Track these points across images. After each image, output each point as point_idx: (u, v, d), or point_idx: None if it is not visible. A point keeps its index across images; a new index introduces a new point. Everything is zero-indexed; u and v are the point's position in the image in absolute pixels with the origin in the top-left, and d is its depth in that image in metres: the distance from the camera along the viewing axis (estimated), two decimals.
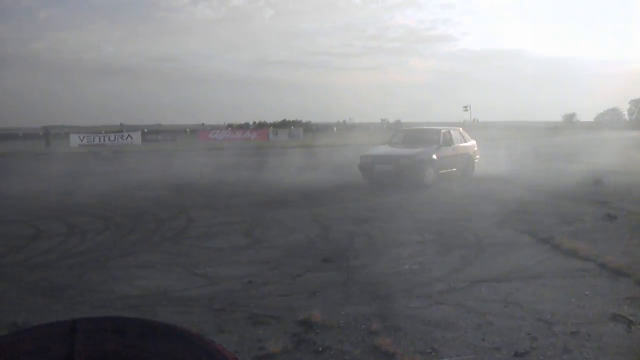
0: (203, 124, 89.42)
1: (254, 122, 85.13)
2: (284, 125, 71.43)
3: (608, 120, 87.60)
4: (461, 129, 18.49)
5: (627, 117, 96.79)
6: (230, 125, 73.06)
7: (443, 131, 16.57)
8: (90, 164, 25.31)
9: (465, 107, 68.63)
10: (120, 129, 63.85)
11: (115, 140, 47.26)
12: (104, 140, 47.01)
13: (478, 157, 18.00)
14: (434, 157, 15.24)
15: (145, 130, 56.55)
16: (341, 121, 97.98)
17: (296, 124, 74.97)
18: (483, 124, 66.93)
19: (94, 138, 47.72)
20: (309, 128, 69.40)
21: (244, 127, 71.02)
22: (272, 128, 61.31)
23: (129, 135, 48.89)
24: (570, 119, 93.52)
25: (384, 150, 16.38)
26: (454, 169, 16.10)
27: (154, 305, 5.65)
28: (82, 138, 47.17)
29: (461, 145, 16.93)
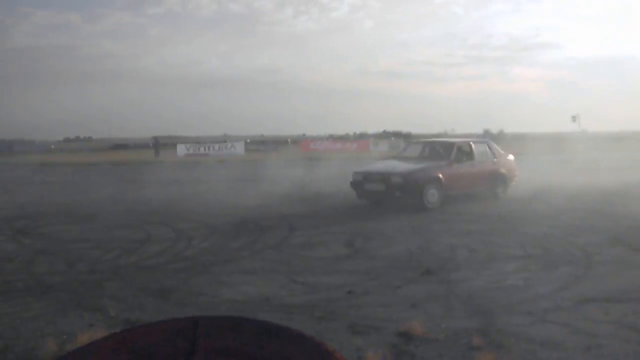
0: (304, 135, 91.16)
1: (354, 133, 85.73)
2: (385, 135, 71.34)
3: None
4: (489, 141, 16.02)
5: None
6: (331, 136, 73.90)
7: (458, 144, 14.17)
8: (195, 172, 26.36)
9: (573, 117, 65.48)
10: (224, 139, 66.18)
11: (219, 149, 48.98)
12: (209, 150, 48.82)
13: (517, 174, 15.22)
14: (439, 174, 12.86)
15: (248, 140, 58.32)
16: (442, 132, 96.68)
17: (396, 134, 74.64)
18: (592, 134, 63.64)
19: (199, 148, 49.68)
20: (409, 139, 68.95)
21: (344, 138, 71.54)
22: (372, 139, 61.39)
23: (232, 145, 50.51)
24: None
25: (380, 165, 14.56)
26: (474, 189, 13.91)
27: (256, 310, 5.76)
28: (188, 148, 49.25)
29: (488, 161, 14.40)
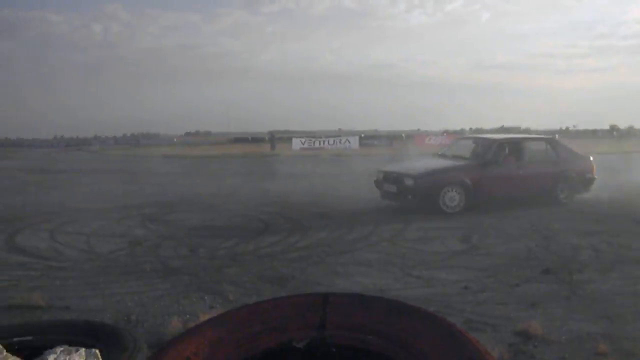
0: (419, 129, 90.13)
1: (470, 128, 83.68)
2: (502, 131, 69.01)
3: None
4: (556, 138, 14.25)
5: None
6: (446, 131, 72.57)
7: (500, 142, 12.70)
8: (310, 165, 26.79)
9: None
10: (339, 134, 66.76)
11: (333, 144, 49.47)
12: (323, 144, 49.45)
13: (592, 178, 13.06)
14: (463, 176, 11.66)
15: (362, 135, 58.41)
16: (564, 128, 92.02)
17: (514, 130, 71.98)
18: None
19: (313, 142, 50.41)
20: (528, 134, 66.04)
21: (459, 133, 70.01)
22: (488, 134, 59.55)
23: (346, 140, 50.84)
24: None
25: (406, 164, 13.80)
26: (521, 192, 12.29)
27: None
28: (303, 142, 50.13)
29: (546, 161, 12.84)
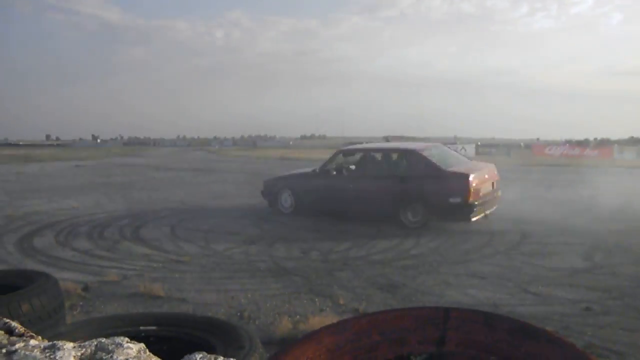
0: (538, 139, 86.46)
1: (595, 139, 79.16)
2: (632, 142, 64.62)
3: None
4: (420, 152, 11.24)
5: None
6: (568, 141, 69.01)
7: (342, 151, 12.84)
8: None
9: None
10: (454, 141, 65.46)
11: None
12: None
13: (454, 201, 10.18)
14: (295, 183, 12.47)
15: (479, 143, 56.89)
16: None
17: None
18: None
19: None
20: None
21: (583, 143, 66.30)
22: (616, 145, 55.97)
23: (462, 147, 49.69)
24: None
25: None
26: (353, 208, 11.45)
27: None
28: None
29: (390, 176, 11.18)
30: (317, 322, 5.07)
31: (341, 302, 6.05)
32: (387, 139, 54.13)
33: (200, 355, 0.87)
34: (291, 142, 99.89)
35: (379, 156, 12.08)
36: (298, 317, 5.56)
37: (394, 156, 11.89)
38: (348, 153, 12.84)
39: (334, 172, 11.97)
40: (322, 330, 1.51)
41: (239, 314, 5.69)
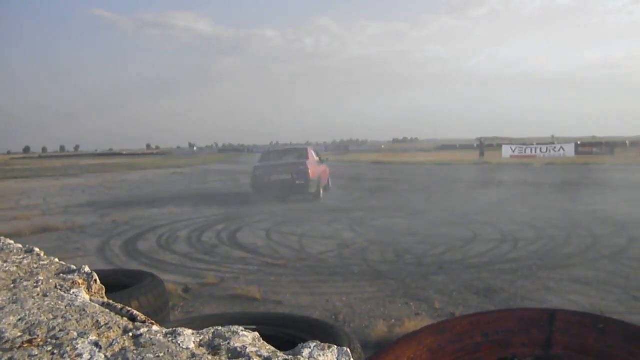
0: None
1: None
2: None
3: None
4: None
5: None
6: None
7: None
8: (521, 174, 25.53)
9: None
10: (552, 141, 62.90)
11: (546, 151, 46.70)
12: (535, 152, 46.92)
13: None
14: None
15: (579, 142, 54.35)
16: None
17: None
18: None
19: (525, 149, 48.04)
20: None
21: None
22: None
23: (560, 147, 47.72)
24: None
25: None
26: None
27: None
28: (513, 149, 48.03)
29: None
30: (412, 326, 5.01)
31: (437, 306, 5.95)
32: (480, 141, 52.74)
33: (315, 344, 0.89)
34: (383, 146, 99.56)
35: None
36: (393, 320, 5.52)
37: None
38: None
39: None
40: (423, 330, 1.49)
41: (334, 316, 5.72)
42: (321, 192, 17.44)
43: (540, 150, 46.98)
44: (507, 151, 47.15)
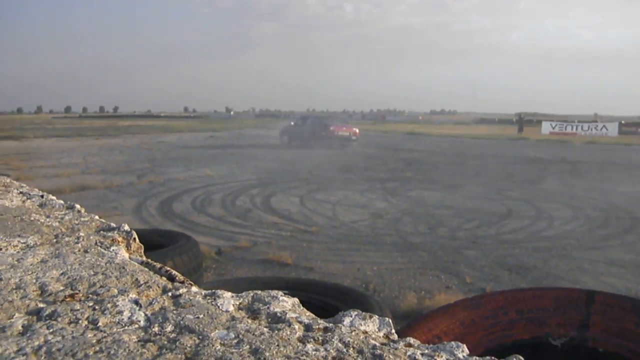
0: None
1: None
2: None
3: None
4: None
5: None
6: None
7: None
8: (561, 151, 25.03)
9: None
10: (594, 119, 61.37)
11: (588, 129, 45.57)
12: (576, 129, 45.83)
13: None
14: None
15: (623, 122, 52.87)
16: None
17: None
18: None
19: (565, 126, 46.94)
20: None
21: None
22: None
23: (603, 126, 46.49)
24: None
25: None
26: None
27: None
28: (553, 126, 47.00)
29: None
30: (442, 299, 5.01)
31: (468, 280, 5.93)
32: (520, 116, 51.73)
33: (356, 313, 0.89)
34: (420, 117, 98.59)
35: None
36: (423, 292, 5.53)
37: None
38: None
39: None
40: (456, 304, 1.49)
41: (364, 285, 5.75)
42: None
43: (582, 128, 45.82)
44: (546, 127, 46.16)
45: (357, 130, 26.76)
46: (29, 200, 2.14)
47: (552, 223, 8.88)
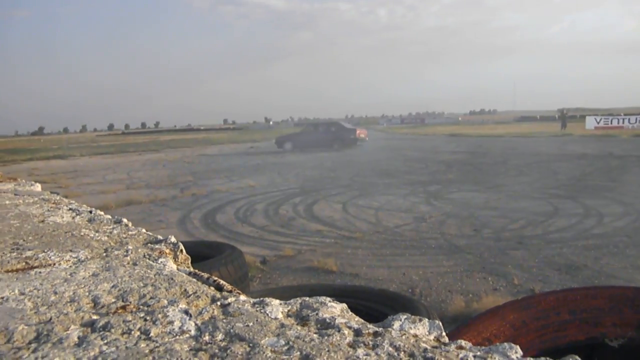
0: None
1: None
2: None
3: None
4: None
5: None
6: None
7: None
8: (606, 146, 24.41)
9: None
10: None
11: (635, 122, 44.34)
12: (622, 123, 44.62)
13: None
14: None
15: None
16: None
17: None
18: None
19: (611, 120, 45.76)
20: None
21: None
22: None
23: None
24: None
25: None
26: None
27: None
28: (598, 120, 45.88)
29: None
30: (490, 301, 4.93)
31: (516, 282, 5.82)
32: (562, 112, 50.66)
33: (405, 316, 0.88)
34: (460, 118, 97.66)
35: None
36: (470, 295, 5.45)
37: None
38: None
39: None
40: (506, 306, 1.46)
41: (410, 290, 5.71)
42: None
43: (629, 122, 44.58)
44: (591, 122, 45.07)
45: (366, 131, 35.83)
46: (78, 216, 2.20)
47: (602, 220, 8.65)
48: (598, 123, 44.78)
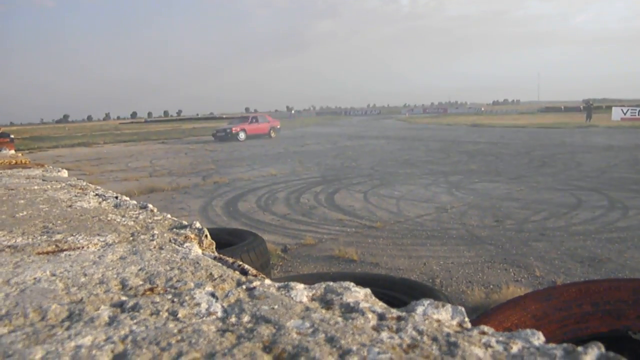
0: None
1: None
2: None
3: None
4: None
5: None
6: None
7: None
8: (632, 137, 24.04)
9: None
10: None
11: None
12: None
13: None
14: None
15: None
16: None
17: None
18: None
19: (638, 111, 44.97)
20: None
21: None
22: None
23: None
24: None
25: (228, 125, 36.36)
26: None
27: None
28: (624, 111, 45.13)
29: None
30: (511, 292, 4.92)
31: (537, 273, 5.79)
32: (587, 103, 49.90)
33: (428, 302, 0.90)
34: (482, 108, 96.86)
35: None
36: (491, 286, 5.44)
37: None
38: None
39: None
40: (527, 296, 1.46)
41: (431, 280, 5.71)
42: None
43: None
44: (617, 113, 44.35)
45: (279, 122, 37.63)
46: (104, 202, 2.24)
47: (627, 213, 8.54)
48: (625, 114, 44.06)
